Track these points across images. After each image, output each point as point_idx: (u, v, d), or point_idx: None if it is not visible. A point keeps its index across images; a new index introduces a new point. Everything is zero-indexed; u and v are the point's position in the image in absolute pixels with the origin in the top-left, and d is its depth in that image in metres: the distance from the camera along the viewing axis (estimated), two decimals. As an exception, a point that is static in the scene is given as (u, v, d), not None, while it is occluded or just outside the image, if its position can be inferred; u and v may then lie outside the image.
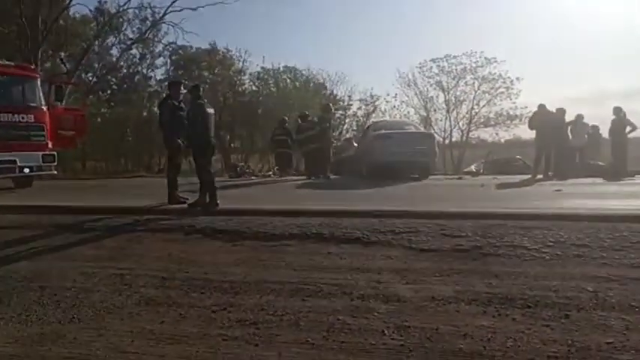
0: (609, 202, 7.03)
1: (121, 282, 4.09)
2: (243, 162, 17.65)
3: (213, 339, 3.03)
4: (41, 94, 10.44)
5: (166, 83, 11.82)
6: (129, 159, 24.90)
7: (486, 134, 26.99)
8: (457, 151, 26.14)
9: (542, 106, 12.36)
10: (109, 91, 30.46)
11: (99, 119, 25.47)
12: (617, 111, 12.95)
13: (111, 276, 4.24)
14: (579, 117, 13.65)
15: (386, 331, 3.03)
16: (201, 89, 7.57)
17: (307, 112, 14.22)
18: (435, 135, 26.27)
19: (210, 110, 7.23)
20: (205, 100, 7.43)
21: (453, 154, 25.76)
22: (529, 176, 11.84)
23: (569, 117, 12.95)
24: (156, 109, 11.95)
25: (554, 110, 12.48)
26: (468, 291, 3.64)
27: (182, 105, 7.32)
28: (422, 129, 15.64)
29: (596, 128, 14.39)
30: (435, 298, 3.54)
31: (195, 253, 4.94)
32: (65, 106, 10.99)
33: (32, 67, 10.95)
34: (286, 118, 15.10)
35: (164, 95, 8.69)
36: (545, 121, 11.98)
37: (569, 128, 13.11)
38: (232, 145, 27.24)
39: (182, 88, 7.58)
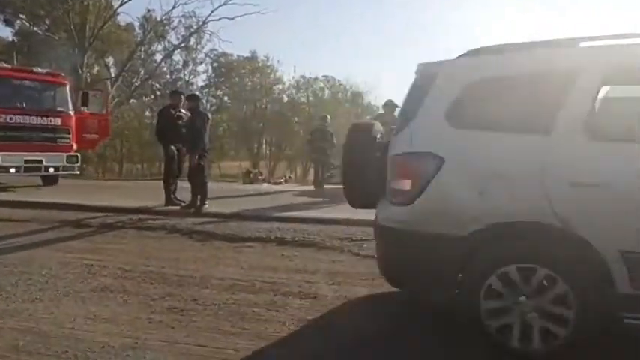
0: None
1: (88, 271, 4.66)
2: (257, 169, 18.34)
3: (141, 321, 3.52)
4: (70, 100, 11.36)
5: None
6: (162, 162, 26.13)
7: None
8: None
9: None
10: (152, 96, 32.03)
11: (137, 123, 27.09)
12: None
13: (82, 265, 4.83)
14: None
15: (287, 322, 3.45)
16: (200, 98, 8.21)
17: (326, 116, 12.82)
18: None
19: (209, 117, 7.93)
20: (205, 108, 8.10)
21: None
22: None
23: None
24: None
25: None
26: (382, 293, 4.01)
27: (181, 113, 7.88)
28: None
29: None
30: (348, 297, 3.92)
31: (165, 249, 5.50)
32: (90, 112, 11.82)
33: (62, 74, 11.86)
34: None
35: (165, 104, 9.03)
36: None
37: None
38: (258, 152, 28.14)
39: (182, 97, 8.14)
